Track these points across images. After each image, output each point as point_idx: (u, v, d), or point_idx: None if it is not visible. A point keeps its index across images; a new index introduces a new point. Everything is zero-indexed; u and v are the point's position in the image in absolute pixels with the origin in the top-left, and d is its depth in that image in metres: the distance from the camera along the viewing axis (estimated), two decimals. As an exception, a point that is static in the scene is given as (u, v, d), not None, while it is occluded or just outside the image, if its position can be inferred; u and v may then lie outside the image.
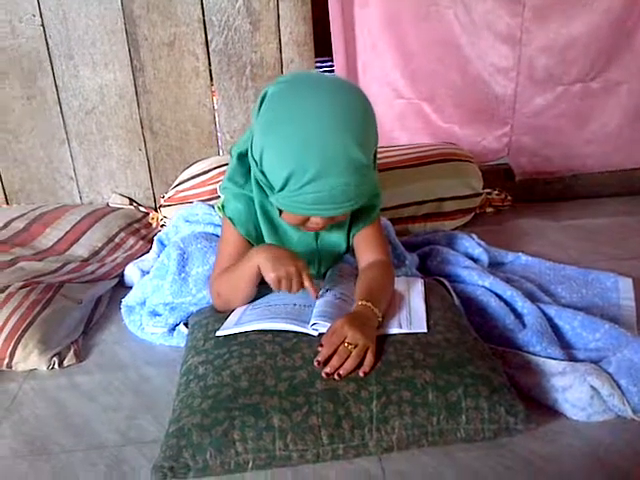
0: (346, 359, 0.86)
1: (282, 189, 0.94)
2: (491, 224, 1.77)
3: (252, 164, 1.00)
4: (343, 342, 0.87)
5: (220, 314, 1.07)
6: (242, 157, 1.06)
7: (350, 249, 1.18)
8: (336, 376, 0.85)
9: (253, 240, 1.10)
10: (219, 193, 1.17)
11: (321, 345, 0.89)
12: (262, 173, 0.97)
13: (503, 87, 1.90)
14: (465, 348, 0.91)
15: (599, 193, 1.96)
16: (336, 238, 1.15)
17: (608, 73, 1.85)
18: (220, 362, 0.91)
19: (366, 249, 1.12)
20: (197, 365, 0.92)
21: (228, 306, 1.08)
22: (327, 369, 0.85)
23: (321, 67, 2.15)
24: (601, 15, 1.77)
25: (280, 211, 1.01)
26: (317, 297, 1.00)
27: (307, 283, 0.97)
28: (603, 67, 1.84)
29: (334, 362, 0.86)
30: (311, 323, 0.94)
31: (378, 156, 1.02)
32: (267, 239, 1.10)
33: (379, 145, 1.00)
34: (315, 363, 0.87)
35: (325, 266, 1.17)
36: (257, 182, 1.02)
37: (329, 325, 0.92)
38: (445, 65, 1.89)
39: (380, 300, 0.98)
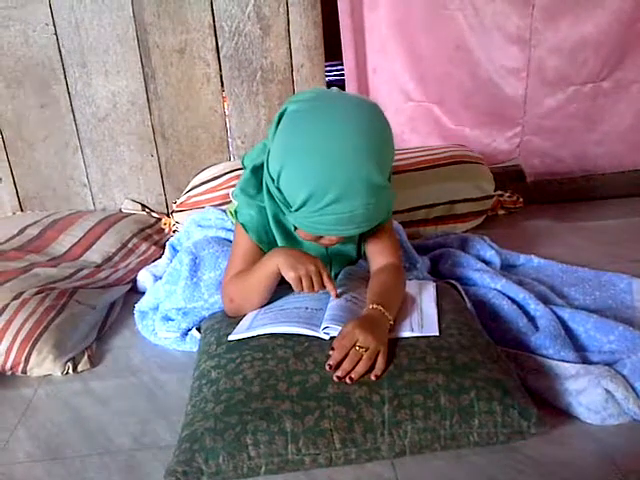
0: (357, 362, 0.86)
1: (299, 209, 0.95)
2: (503, 226, 1.77)
3: (268, 180, 1.00)
4: (354, 345, 0.87)
5: (232, 319, 1.08)
6: (256, 170, 1.07)
7: (363, 255, 1.18)
8: (347, 380, 0.84)
9: (265, 246, 1.10)
10: (231, 198, 1.18)
11: (332, 349, 0.89)
12: (279, 190, 0.98)
13: (513, 88, 1.90)
14: (477, 351, 0.90)
15: (611, 194, 1.95)
16: (347, 246, 1.16)
17: (619, 73, 1.84)
18: (232, 366, 0.91)
19: (377, 253, 1.12)
20: (209, 370, 0.93)
21: (241, 311, 1.08)
22: (338, 373, 0.85)
23: (331, 71, 2.16)
24: (611, 15, 1.76)
25: (295, 226, 1.02)
26: (337, 296, 1.01)
27: (327, 283, 0.98)
28: (614, 67, 1.83)
29: (345, 366, 0.86)
30: (322, 327, 0.94)
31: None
32: (280, 245, 1.10)
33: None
34: (327, 367, 0.87)
35: (336, 271, 1.17)
36: (271, 196, 1.02)
37: (340, 328, 0.92)
38: (455, 67, 1.89)
39: (391, 303, 0.98)
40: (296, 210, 0.96)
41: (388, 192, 0.97)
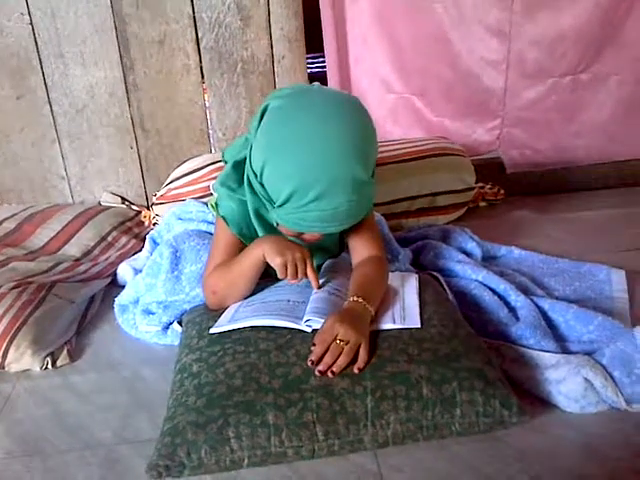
0: (339, 356, 0.86)
1: (283, 205, 0.94)
2: (484, 218, 1.78)
3: (251, 176, 0.99)
4: (335, 339, 0.87)
5: (214, 312, 1.07)
6: (238, 165, 1.06)
7: (345, 248, 1.18)
8: (329, 374, 0.84)
9: (246, 239, 1.09)
10: (212, 191, 1.17)
11: (314, 344, 0.89)
12: (262, 186, 0.97)
13: (493, 80, 1.90)
14: (459, 342, 0.91)
15: (591, 185, 1.97)
16: (328, 240, 1.15)
17: (598, 65, 1.86)
18: (214, 360, 0.90)
19: (360, 245, 1.12)
20: (191, 363, 0.92)
21: (223, 303, 1.07)
22: (320, 367, 0.85)
23: (313, 64, 2.15)
24: (590, 7, 1.78)
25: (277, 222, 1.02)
26: (319, 287, 1.01)
27: (310, 273, 0.99)
28: (592, 59, 1.85)
29: (327, 359, 0.85)
30: (305, 319, 0.94)
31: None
32: (262, 238, 1.10)
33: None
34: (308, 362, 0.86)
35: (318, 264, 1.17)
36: (253, 191, 1.01)
37: (322, 321, 0.91)
38: (435, 59, 1.90)
39: (373, 296, 0.98)
40: (279, 206, 0.95)
41: (371, 188, 0.97)
